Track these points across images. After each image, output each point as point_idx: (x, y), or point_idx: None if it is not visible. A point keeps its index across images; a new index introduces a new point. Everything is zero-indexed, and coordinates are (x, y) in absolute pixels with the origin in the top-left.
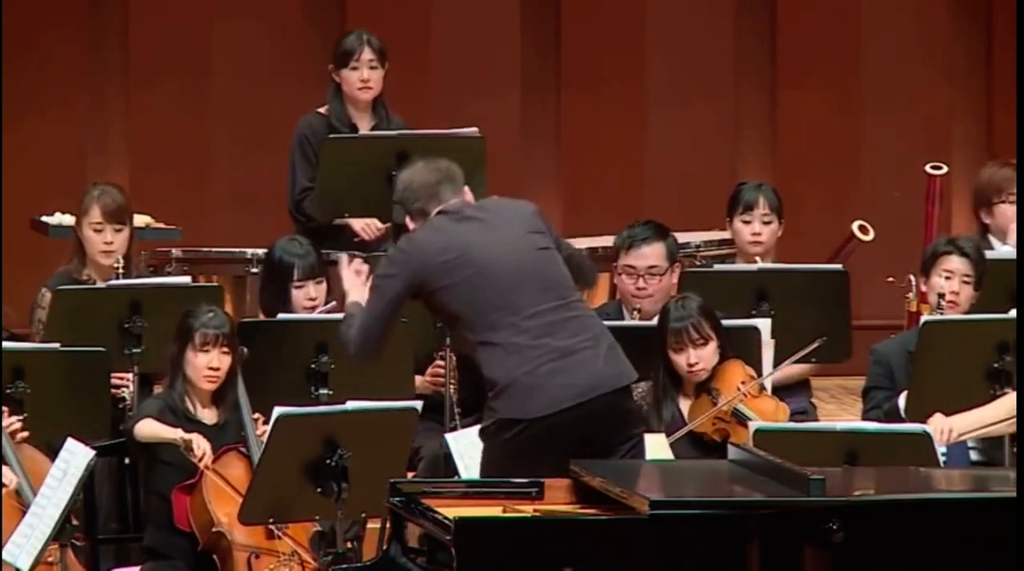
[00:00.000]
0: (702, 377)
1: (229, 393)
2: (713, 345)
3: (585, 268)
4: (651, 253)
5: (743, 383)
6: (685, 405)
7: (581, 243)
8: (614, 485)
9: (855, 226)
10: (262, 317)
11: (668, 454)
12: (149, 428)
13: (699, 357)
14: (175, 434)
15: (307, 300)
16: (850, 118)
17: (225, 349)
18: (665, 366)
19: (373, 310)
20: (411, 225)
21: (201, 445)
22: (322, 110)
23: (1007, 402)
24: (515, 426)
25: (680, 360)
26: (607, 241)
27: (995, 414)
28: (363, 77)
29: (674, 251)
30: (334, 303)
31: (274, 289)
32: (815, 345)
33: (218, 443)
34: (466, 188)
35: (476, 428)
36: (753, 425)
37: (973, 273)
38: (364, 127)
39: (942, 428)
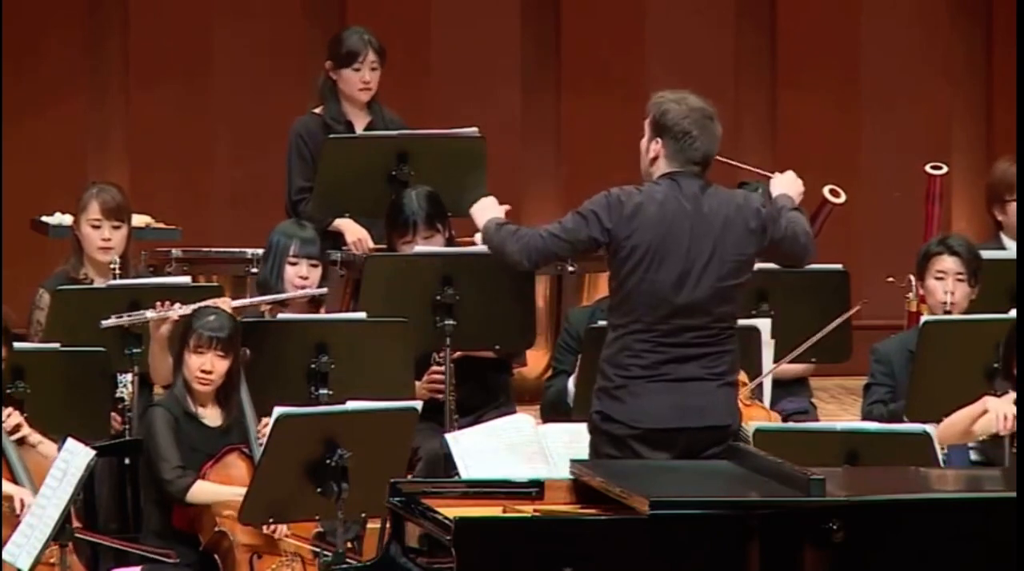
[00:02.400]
0: None
1: (233, 396)
2: None
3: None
4: None
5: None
6: None
7: None
8: (614, 485)
9: (826, 190)
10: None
11: None
12: (203, 493)
13: None
14: (235, 495)
15: (298, 277)
16: (850, 118)
17: (220, 353)
18: None
19: (566, 230)
20: (652, 147)
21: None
22: (317, 110)
23: None
24: (613, 423)
25: None
26: None
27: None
28: (365, 79)
29: None
30: (325, 290)
31: (269, 265)
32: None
33: (221, 445)
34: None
35: (476, 428)
36: (752, 426)
37: (965, 270)
38: (359, 124)
39: (1004, 413)
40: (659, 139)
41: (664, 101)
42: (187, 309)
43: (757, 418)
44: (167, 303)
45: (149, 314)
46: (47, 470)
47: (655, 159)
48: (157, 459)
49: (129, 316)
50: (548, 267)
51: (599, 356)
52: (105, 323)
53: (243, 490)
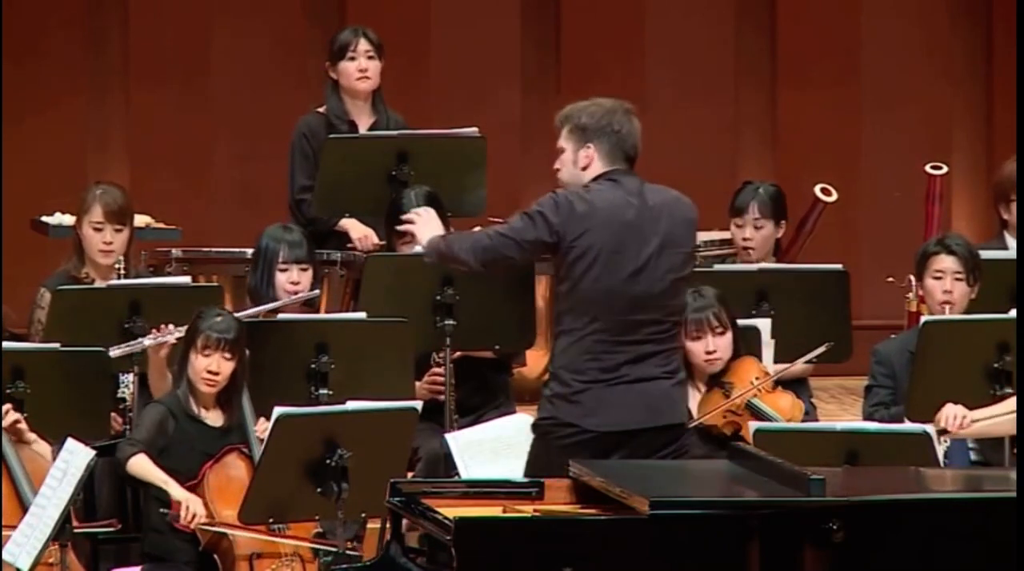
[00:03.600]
0: (718, 367)
1: (235, 398)
2: (730, 336)
3: None
4: None
5: (757, 378)
6: (695, 398)
7: None
8: (614, 485)
9: (817, 189)
10: (249, 301)
11: None
12: (141, 467)
13: (717, 345)
14: (167, 486)
15: (289, 283)
16: (850, 118)
17: (227, 355)
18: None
19: (514, 232)
20: (582, 155)
21: (192, 508)
22: (320, 109)
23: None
24: (568, 431)
25: (698, 348)
26: None
27: (1006, 407)
28: (361, 66)
29: None
30: (317, 292)
31: (259, 272)
32: (822, 349)
33: (221, 446)
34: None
35: (476, 428)
36: (753, 426)
37: (963, 269)
38: (363, 123)
39: (954, 414)
40: (589, 144)
41: (576, 109)
42: (181, 331)
43: (784, 405)
44: (163, 327)
45: (147, 341)
46: (44, 469)
47: (587, 166)
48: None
49: (129, 345)
50: (547, 266)
51: None
52: (114, 353)
53: (165, 477)
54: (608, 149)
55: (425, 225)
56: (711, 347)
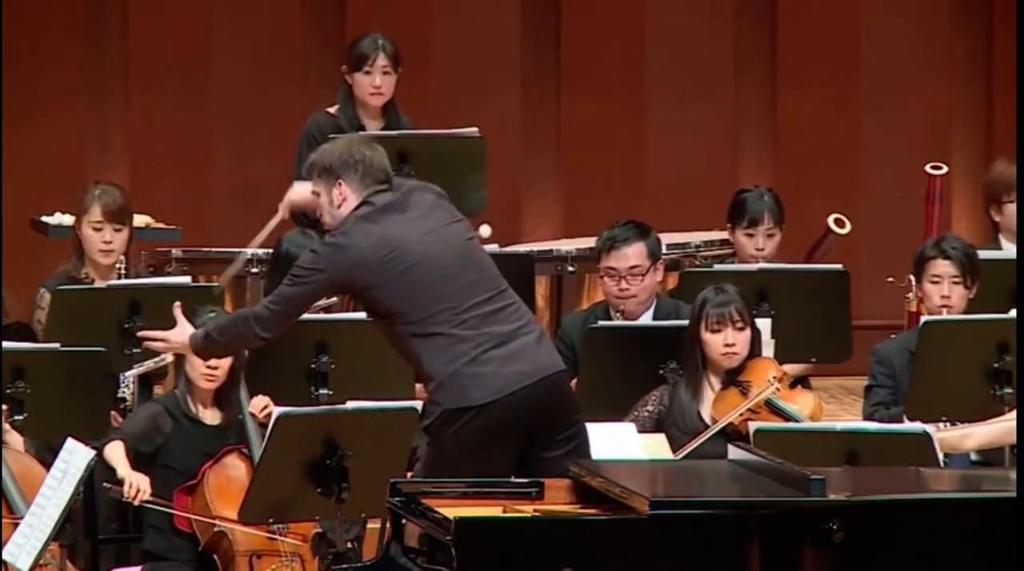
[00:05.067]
0: (735, 362)
1: (232, 394)
2: (748, 333)
3: None
4: (632, 253)
5: (775, 376)
6: (708, 399)
7: (581, 243)
8: (614, 485)
9: (831, 220)
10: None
11: (667, 453)
12: (110, 453)
13: (737, 339)
14: (121, 469)
15: None
16: (850, 118)
17: None
18: (693, 354)
19: (291, 297)
20: (335, 194)
21: (135, 484)
22: (332, 110)
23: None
24: (460, 418)
25: (717, 340)
26: None
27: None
28: (375, 83)
29: (656, 249)
30: (335, 300)
31: (279, 279)
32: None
33: (220, 444)
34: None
35: None
36: (753, 426)
37: (960, 273)
38: (372, 129)
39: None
40: (339, 181)
41: (316, 155)
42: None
43: (807, 401)
44: None
45: (169, 358)
46: (27, 467)
47: (342, 202)
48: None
49: (155, 361)
50: (547, 266)
51: (599, 356)
52: (134, 373)
53: (121, 459)
54: (360, 177)
55: (179, 334)
56: (731, 340)
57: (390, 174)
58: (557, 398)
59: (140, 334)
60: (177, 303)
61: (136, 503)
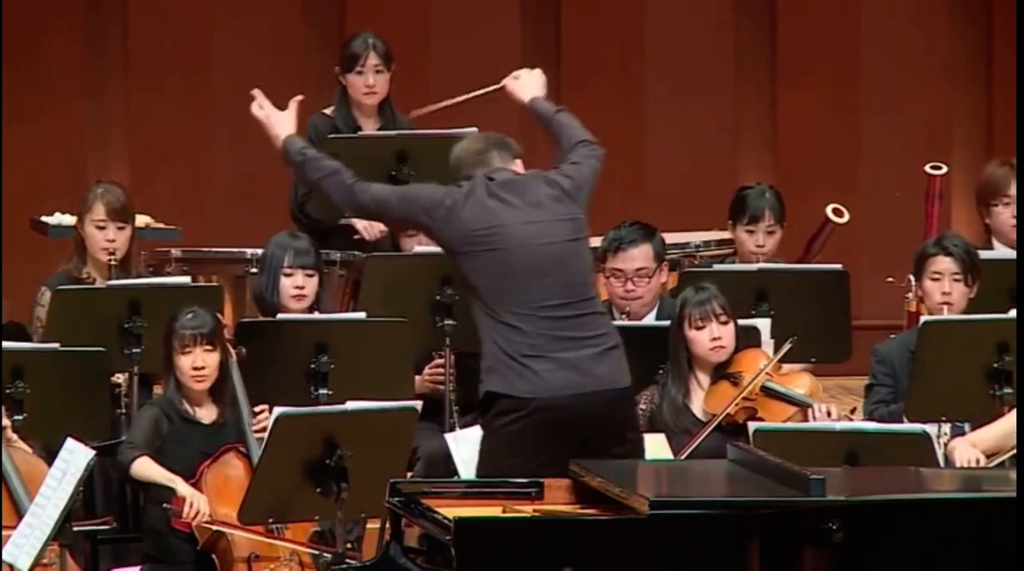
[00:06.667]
0: (723, 356)
1: (225, 390)
2: (732, 327)
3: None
4: (638, 255)
5: (766, 362)
6: (698, 397)
7: None
8: (614, 485)
9: (829, 209)
10: (256, 306)
11: (667, 453)
12: (145, 469)
13: (722, 333)
14: (174, 484)
15: (294, 288)
16: (850, 118)
17: (208, 347)
18: (678, 353)
19: (391, 207)
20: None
21: (196, 505)
22: (328, 111)
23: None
24: (512, 412)
25: (702, 336)
26: None
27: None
28: (368, 83)
29: (661, 251)
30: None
31: (264, 277)
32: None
33: (217, 442)
34: (518, 160)
35: (475, 428)
36: (753, 426)
37: (961, 270)
38: (369, 129)
39: (968, 458)
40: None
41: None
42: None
43: (804, 382)
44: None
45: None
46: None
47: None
48: (126, 440)
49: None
50: None
51: None
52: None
53: (171, 476)
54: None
55: (279, 122)
56: (716, 333)
57: (505, 149)
58: (612, 412)
59: (254, 91)
60: (299, 97)
61: (194, 524)
